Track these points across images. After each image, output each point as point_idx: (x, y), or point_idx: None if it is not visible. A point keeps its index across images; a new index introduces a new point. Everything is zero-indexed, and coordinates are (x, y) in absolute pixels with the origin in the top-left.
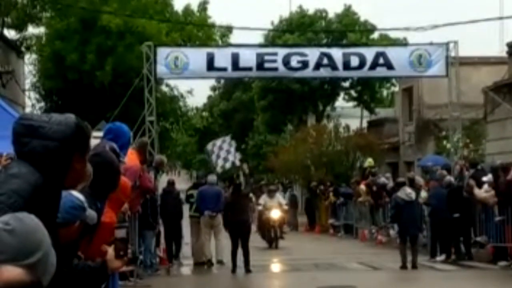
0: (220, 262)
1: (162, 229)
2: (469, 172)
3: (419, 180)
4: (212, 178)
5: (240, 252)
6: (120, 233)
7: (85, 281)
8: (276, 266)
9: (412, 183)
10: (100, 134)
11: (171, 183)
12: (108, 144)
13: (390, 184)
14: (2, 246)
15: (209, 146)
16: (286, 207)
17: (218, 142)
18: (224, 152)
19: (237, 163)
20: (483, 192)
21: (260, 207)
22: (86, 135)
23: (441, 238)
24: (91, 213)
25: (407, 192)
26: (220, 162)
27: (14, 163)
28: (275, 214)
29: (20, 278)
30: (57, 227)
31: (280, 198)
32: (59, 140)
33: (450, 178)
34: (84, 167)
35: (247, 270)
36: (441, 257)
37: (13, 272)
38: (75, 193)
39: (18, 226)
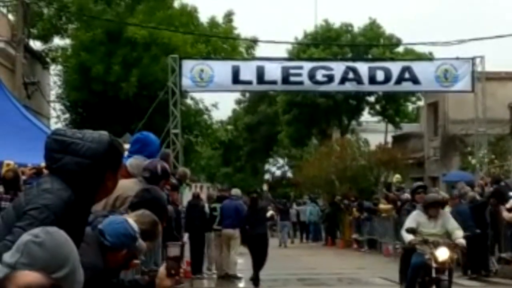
0: (233, 276)
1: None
2: (490, 187)
3: (444, 195)
4: (235, 191)
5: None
6: (173, 251)
7: None
8: (299, 281)
9: None
10: (125, 146)
11: (196, 196)
12: (160, 163)
13: None
14: (30, 258)
15: None
16: (463, 242)
17: None
18: None
19: None
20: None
21: (409, 237)
22: (119, 153)
23: (467, 255)
24: (141, 243)
25: None
26: None
27: (47, 178)
28: (443, 254)
29: (40, 282)
30: (106, 250)
31: (452, 221)
32: (92, 158)
33: (473, 194)
34: (116, 184)
35: (255, 283)
36: (458, 273)
37: (31, 276)
38: (131, 221)
39: (47, 239)
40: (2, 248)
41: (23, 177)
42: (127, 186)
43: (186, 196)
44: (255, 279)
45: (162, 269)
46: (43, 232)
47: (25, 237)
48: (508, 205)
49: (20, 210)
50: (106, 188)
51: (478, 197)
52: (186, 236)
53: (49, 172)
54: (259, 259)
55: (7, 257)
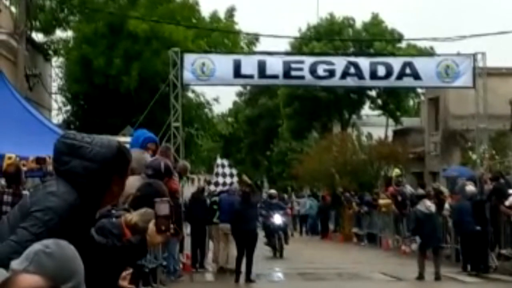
0: (232, 270)
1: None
2: (490, 185)
3: (444, 191)
4: (234, 186)
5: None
6: (162, 209)
7: (125, 256)
8: (299, 275)
9: (438, 195)
10: (125, 139)
11: (200, 190)
12: (164, 161)
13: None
14: (39, 267)
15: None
16: None
17: (215, 169)
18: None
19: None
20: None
21: None
22: (126, 159)
23: (466, 251)
24: None
25: (426, 205)
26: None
27: (53, 181)
28: None
29: (40, 285)
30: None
31: None
32: (100, 162)
33: (473, 190)
34: (122, 189)
35: (248, 280)
36: (458, 269)
37: (32, 279)
38: None
39: (57, 251)
40: (4, 247)
41: (24, 169)
42: (129, 184)
43: (188, 189)
44: (237, 273)
45: (151, 226)
46: (54, 244)
47: (36, 246)
48: (507, 203)
49: (24, 211)
50: (112, 193)
51: (476, 193)
52: (188, 229)
53: (55, 175)
54: (247, 255)
55: (16, 264)
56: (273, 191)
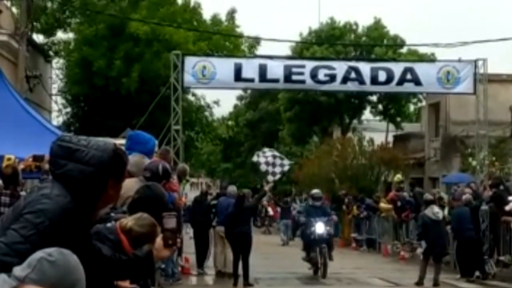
0: (230, 274)
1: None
2: (490, 191)
3: (444, 196)
4: (231, 189)
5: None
6: (170, 223)
7: (131, 270)
8: (298, 280)
9: (440, 201)
10: (125, 141)
11: (204, 193)
12: (162, 163)
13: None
14: (40, 274)
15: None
16: None
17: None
18: (272, 162)
19: (270, 178)
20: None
21: None
22: (123, 162)
23: (464, 257)
24: None
25: (434, 211)
26: (270, 169)
27: (48, 184)
28: None
29: None
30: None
31: None
32: (96, 165)
33: (469, 197)
34: (118, 192)
35: (246, 283)
36: (456, 276)
37: None
38: None
39: (60, 259)
40: None
41: (22, 166)
42: (127, 186)
43: (192, 192)
44: (244, 280)
45: (159, 240)
46: (57, 252)
47: (39, 254)
48: (507, 208)
49: (17, 213)
50: (108, 196)
51: (473, 200)
52: (191, 232)
53: (52, 178)
54: (243, 259)
55: (18, 270)
56: (316, 191)
